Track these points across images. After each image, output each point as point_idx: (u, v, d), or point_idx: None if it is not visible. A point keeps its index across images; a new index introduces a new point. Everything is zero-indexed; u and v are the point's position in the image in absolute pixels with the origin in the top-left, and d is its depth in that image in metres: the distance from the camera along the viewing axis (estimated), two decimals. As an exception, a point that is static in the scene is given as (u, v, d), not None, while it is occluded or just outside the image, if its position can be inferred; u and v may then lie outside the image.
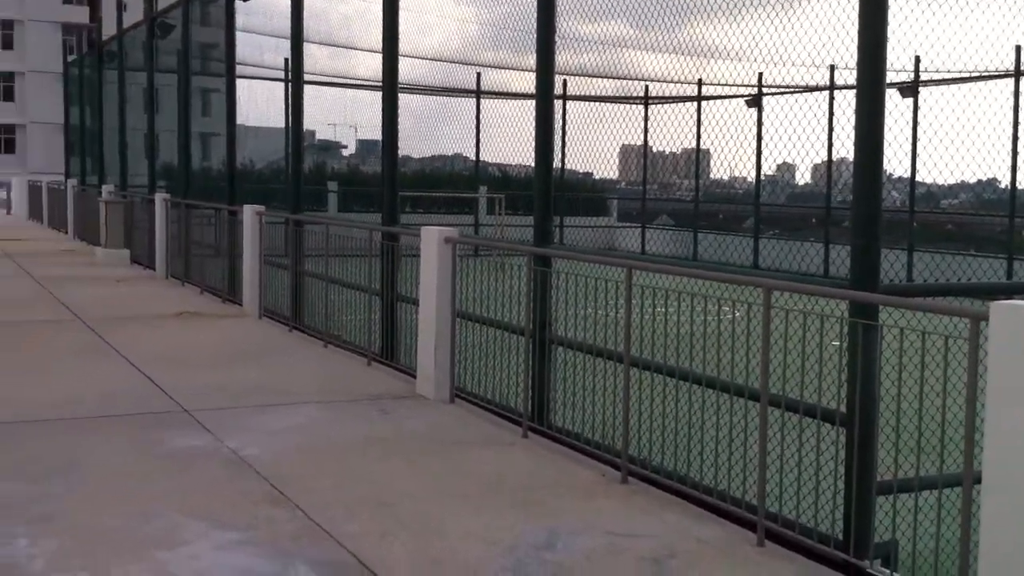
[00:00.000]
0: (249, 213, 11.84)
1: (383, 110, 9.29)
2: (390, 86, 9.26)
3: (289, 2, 11.62)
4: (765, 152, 23.94)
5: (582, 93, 26.70)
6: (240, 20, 14.15)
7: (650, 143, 27.63)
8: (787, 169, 25.67)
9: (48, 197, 28.37)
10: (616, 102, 27.88)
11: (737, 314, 5.45)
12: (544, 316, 6.85)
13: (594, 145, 24.77)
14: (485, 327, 7.57)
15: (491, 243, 7.92)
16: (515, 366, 7.11)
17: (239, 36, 14.26)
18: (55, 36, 66.18)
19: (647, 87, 26.95)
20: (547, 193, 7.16)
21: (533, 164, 7.20)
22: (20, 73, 71.27)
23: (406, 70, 9.98)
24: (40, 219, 29.26)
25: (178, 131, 16.15)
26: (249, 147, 20.51)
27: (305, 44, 11.95)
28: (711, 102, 25.88)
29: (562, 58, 7.23)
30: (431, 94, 27.50)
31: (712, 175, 28.25)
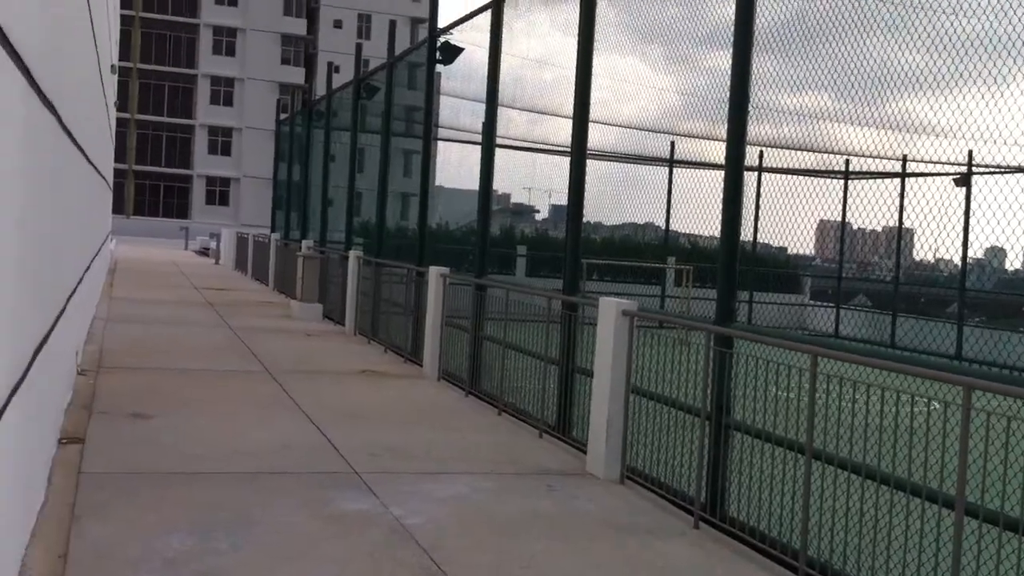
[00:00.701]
0: (434, 275, 11.96)
1: (570, 177, 9.21)
2: (578, 155, 9.18)
3: (487, 68, 11.78)
4: (973, 234, 22.71)
5: (778, 165, 26.10)
6: (440, 84, 14.48)
7: (849, 219, 26.68)
8: (997, 253, 24.26)
9: (253, 249, 29.69)
10: (815, 176, 27.11)
11: (935, 406, 5.02)
12: (723, 398, 6.54)
13: (789, 219, 24.09)
14: (661, 405, 7.30)
15: (670, 318, 7.67)
16: (690, 449, 6.81)
17: (439, 99, 14.59)
18: (271, 95, 69.96)
19: (848, 161, 26.10)
20: (732, 268, 6.87)
21: (720, 229, 6.93)
22: (237, 129, 75.58)
23: (602, 137, 9.96)
24: (245, 270, 30.63)
25: (377, 190, 16.59)
26: (445, 208, 20.93)
27: (503, 109, 12.08)
28: (916, 179, 24.81)
29: (758, 129, 7.01)
30: (625, 161, 27.45)
31: (915, 256, 27.01)
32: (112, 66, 18.18)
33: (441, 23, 13.80)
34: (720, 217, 6.91)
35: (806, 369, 5.38)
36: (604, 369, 7.40)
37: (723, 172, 6.95)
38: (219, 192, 76.35)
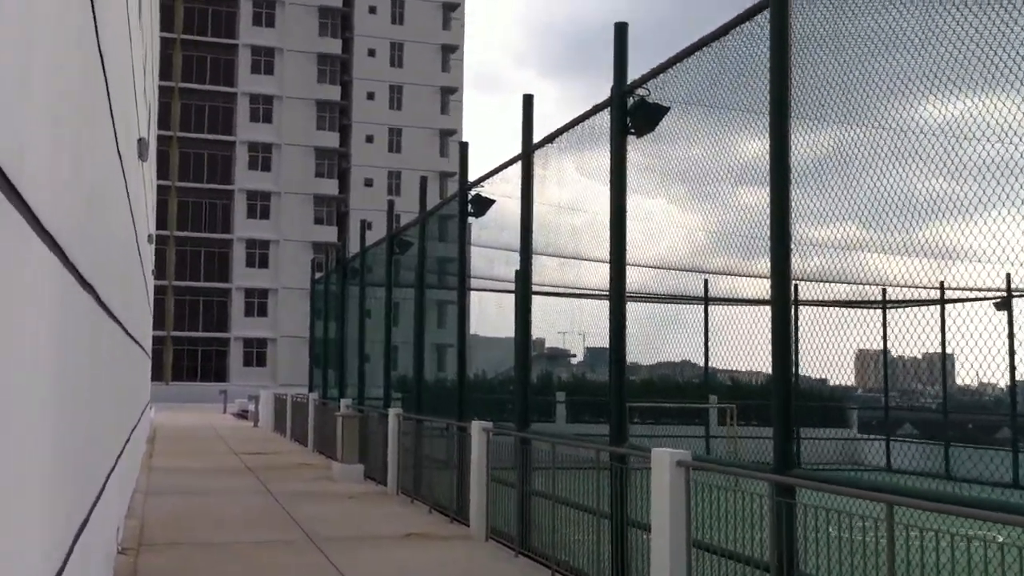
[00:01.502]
0: (477, 430, 11.72)
1: (610, 324, 9.06)
2: (617, 299, 9.05)
3: (520, 218, 11.81)
4: (1018, 357, 22.25)
5: (814, 298, 25.88)
6: (473, 235, 14.54)
7: (889, 348, 26.28)
8: (1044, 375, 23.70)
9: (291, 410, 29.57)
10: (852, 307, 26.85)
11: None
12: (789, 551, 6.20)
13: (829, 350, 23.75)
14: (724, 559, 6.94)
15: (728, 467, 7.37)
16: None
17: (472, 250, 14.63)
18: (306, 254, 71.06)
19: (884, 291, 25.87)
20: (787, 410, 6.61)
21: (763, 370, 6.72)
22: (273, 290, 76.55)
23: (636, 277, 9.84)
24: (284, 432, 30.45)
25: (413, 343, 16.51)
26: (481, 357, 20.79)
27: (535, 256, 12.05)
28: (955, 305, 24.49)
29: (793, 262, 6.82)
30: (658, 301, 27.34)
31: (958, 381, 26.47)
32: (149, 236, 18.47)
33: (471, 176, 13.94)
34: (762, 351, 6.71)
35: (881, 520, 5.07)
36: (662, 525, 7.07)
37: (758, 307, 6.80)
38: (256, 353, 76.86)
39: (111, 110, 5.65)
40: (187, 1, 77.44)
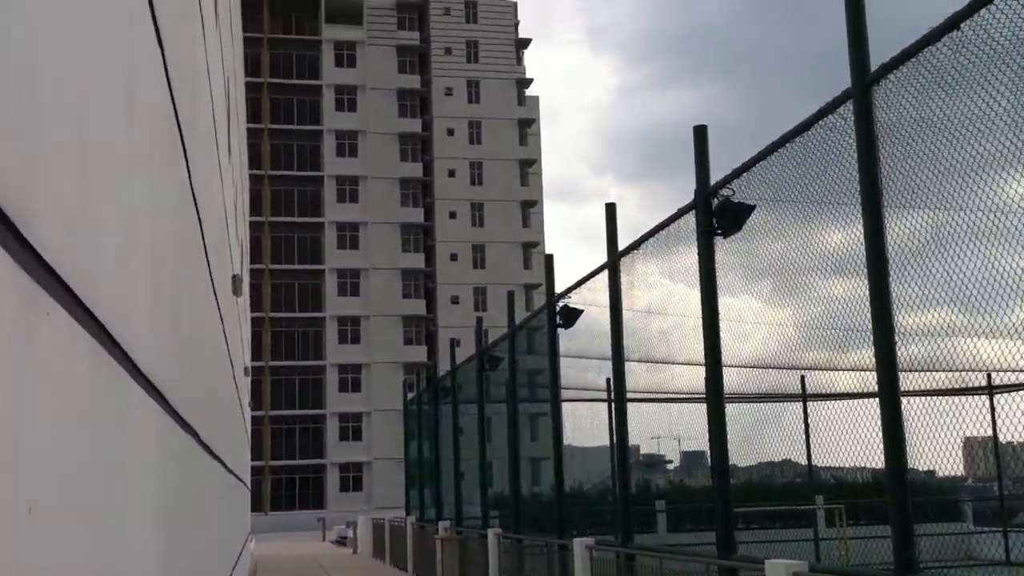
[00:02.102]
0: (579, 548, 11.45)
1: (710, 433, 8.85)
2: (716, 402, 8.85)
3: (609, 326, 11.73)
4: None
5: (915, 388, 25.07)
6: (562, 345, 14.47)
7: (998, 434, 25.27)
8: None
9: (389, 535, 29.36)
10: (956, 394, 25.97)
11: None
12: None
13: (935, 440, 22.91)
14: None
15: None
16: None
17: (562, 361, 14.55)
18: (397, 375, 71.59)
19: (989, 376, 25.00)
20: (904, 512, 6.32)
21: (868, 465, 6.45)
22: (366, 413, 77.08)
23: (725, 378, 9.64)
24: (383, 557, 30.20)
25: (508, 459, 16.34)
26: (577, 468, 20.50)
27: (627, 363, 11.93)
28: (1068, 386, 23.52)
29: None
30: (753, 401, 26.77)
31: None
32: (245, 368, 18.77)
33: (558, 287, 13.94)
34: (866, 446, 6.46)
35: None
36: (782, 639, 6.75)
37: (858, 400, 6.56)
38: (352, 478, 77.01)
39: (206, 253, 5.77)
40: (273, 139, 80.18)
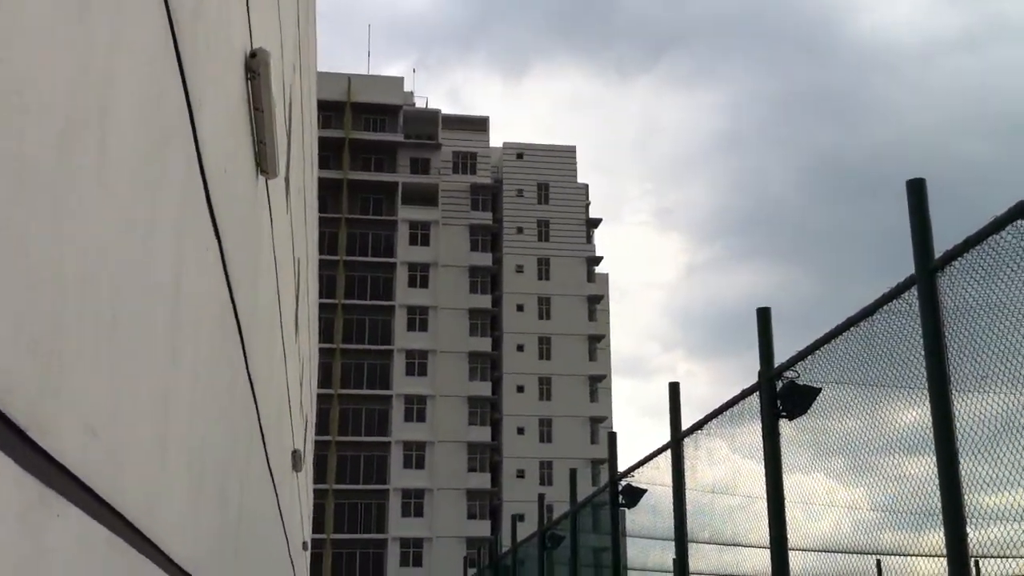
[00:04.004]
0: None
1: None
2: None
3: (672, 504, 11.48)
4: None
5: (998, 573, 23.96)
6: (628, 525, 14.15)
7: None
8: None
9: None
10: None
11: None
12: None
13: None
14: None
15: None
16: None
17: (628, 541, 14.19)
18: (459, 550, 70.34)
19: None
20: None
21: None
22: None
23: (799, 562, 9.32)
24: None
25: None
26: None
27: (692, 543, 11.61)
28: None
29: (970, 534, 6.35)
30: (830, 586, 25.75)
31: None
32: (304, 543, 18.61)
33: (621, 465, 13.75)
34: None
35: None
36: None
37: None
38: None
39: (262, 432, 5.82)
40: (347, 313, 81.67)
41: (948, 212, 6.83)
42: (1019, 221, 6.14)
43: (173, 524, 2.60)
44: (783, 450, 8.94)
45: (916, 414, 7.16)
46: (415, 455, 79.78)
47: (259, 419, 5.56)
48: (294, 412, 10.62)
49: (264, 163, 5.17)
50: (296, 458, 10.33)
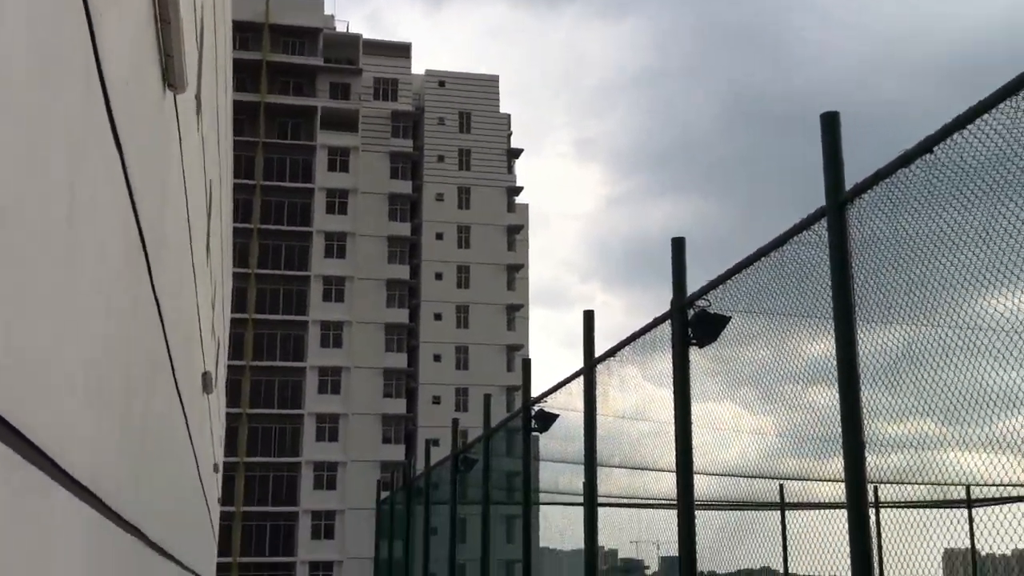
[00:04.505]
0: (547, 658, 11.19)
1: (680, 537, 8.74)
2: (687, 525, 8.75)
3: (583, 430, 11.66)
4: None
5: (895, 500, 24.93)
6: (541, 450, 14.35)
7: (978, 547, 25.06)
8: None
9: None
10: (934, 507, 25.77)
11: None
12: None
13: (913, 552, 22.72)
14: None
15: None
16: None
17: (540, 464, 14.42)
18: (373, 474, 70.86)
19: (968, 489, 24.87)
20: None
21: (845, 575, 6.34)
22: (340, 511, 76.08)
23: (705, 485, 9.55)
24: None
25: (480, 561, 16.08)
26: (554, 572, 20.14)
27: (603, 468, 11.83)
28: (1048, 502, 23.39)
29: (869, 462, 6.57)
30: (732, 509, 26.54)
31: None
32: (215, 465, 18.53)
33: (535, 391, 13.90)
34: (848, 557, 6.36)
35: None
36: None
37: (836, 511, 6.51)
38: (323, 576, 75.68)
39: (169, 353, 5.73)
40: (263, 238, 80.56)
41: (866, 152, 6.93)
42: (927, 156, 6.28)
43: (71, 439, 2.56)
44: (694, 378, 9.12)
45: (822, 346, 7.35)
46: (330, 380, 79.69)
47: (166, 339, 5.48)
48: (205, 334, 10.49)
49: (171, 77, 5.03)
50: (206, 380, 10.24)
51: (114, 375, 3.47)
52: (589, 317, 11.86)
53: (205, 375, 10.16)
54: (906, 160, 6.39)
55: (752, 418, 10.32)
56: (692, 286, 9.08)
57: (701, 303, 8.98)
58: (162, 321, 5.17)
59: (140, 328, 4.27)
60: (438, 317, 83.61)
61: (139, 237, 3.94)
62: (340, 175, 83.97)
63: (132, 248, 3.79)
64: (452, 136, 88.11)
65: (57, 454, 2.33)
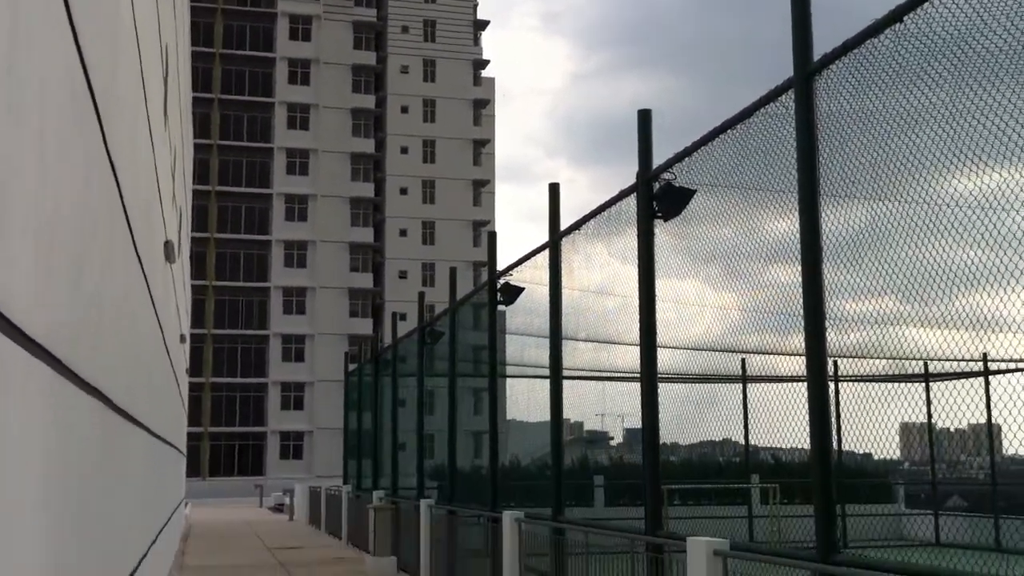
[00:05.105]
0: (508, 522, 11.48)
1: (643, 415, 8.89)
2: (649, 394, 8.88)
3: (548, 304, 11.73)
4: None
5: (856, 373, 25.47)
6: (505, 322, 14.47)
7: (934, 421, 25.77)
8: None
9: (326, 503, 29.34)
10: (894, 381, 26.39)
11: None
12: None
13: (871, 426, 23.31)
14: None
15: (767, 556, 7.10)
16: None
17: (505, 338, 14.55)
18: (341, 347, 71.30)
19: (927, 364, 25.41)
20: (827, 495, 6.35)
21: (805, 447, 6.50)
22: (309, 383, 76.76)
23: (669, 358, 9.67)
24: (319, 525, 30.16)
25: (447, 432, 16.35)
26: (516, 442, 20.52)
27: (569, 342, 11.96)
28: (1000, 376, 24.00)
29: (830, 338, 6.66)
30: (696, 382, 27.00)
31: (1006, 451, 25.89)
32: (181, 336, 18.53)
33: (501, 265, 13.92)
34: (805, 428, 6.51)
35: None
36: (700, 617, 6.80)
37: (796, 384, 6.63)
38: (293, 447, 76.76)
39: (127, 217, 5.64)
40: (224, 109, 79.14)
41: (843, 28, 6.81)
42: (897, 26, 6.20)
43: (21, 294, 2.52)
44: (659, 255, 9.16)
45: (786, 224, 7.36)
46: (296, 254, 79.45)
47: (123, 204, 5.40)
48: (165, 201, 10.36)
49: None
50: (169, 249, 10.16)
51: (66, 237, 3.41)
52: (554, 190, 11.83)
53: (167, 243, 10.08)
54: (875, 30, 6.30)
55: (716, 294, 10.40)
56: (660, 162, 9.04)
57: (667, 176, 8.96)
58: (119, 187, 5.08)
59: (95, 193, 4.19)
60: (404, 192, 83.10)
61: (90, 97, 3.83)
62: (302, 44, 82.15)
63: (82, 107, 3.69)
64: (416, 6, 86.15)
65: (4, 304, 2.30)
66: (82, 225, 3.75)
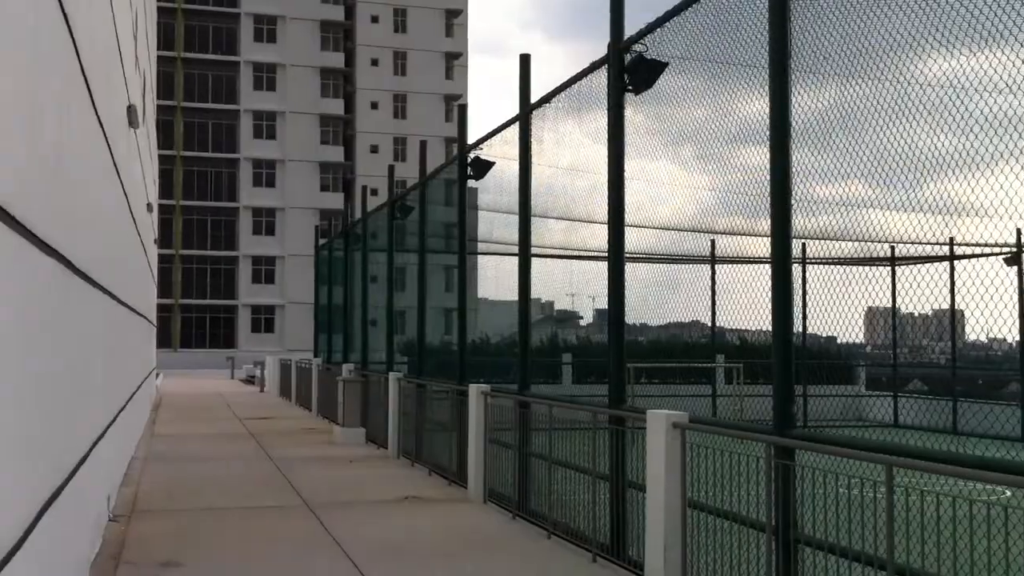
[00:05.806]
0: (475, 393, 11.62)
1: (609, 292, 8.91)
2: (616, 273, 8.89)
3: (518, 179, 11.64)
4: (1028, 311, 22.05)
5: (823, 256, 25.66)
6: (476, 199, 14.39)
7: (899, 305, 26.11)
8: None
9: (296, 375, 29.56)
10: (860, 264, 26.61)
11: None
12: (788, 512, 6.07)
13: (837, 308, 23.60)
14: (721, 519, 6.80)
15: (724, 428, 7.24)
16: (756, 567, 6.31)
17: (476, 214, 14.50)
18: (312, 221, 70.93)
19: (893, 248, 25.62)
20: (786, 371, 6.45)
21: (771, 331, 6.56)
22: (280, 257, 76.54)
23: (640, 240, 9.70)
24: (289, 397, 30.46)
25: (417, 308, 16.40)
26: (486, 320, 20.66)
27: (541, 219, 11.92)
28: (965, 261, 24.24)
29: (799, 221, 6.66)
30: (665, 262, 27.14)
31: (967, 337, 26.33)
32: (148, 204, 18.33)
33: (472, 139, 13.76)
34: (771, 311, 6.55)
35: (881, 481, 4.94)
36: (657, 486, 6.96)
37: (765, 266, 6.64)
38: (264, 320, 77.00)
39: (85, 77, 5.49)
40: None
41: None
42: None
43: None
44: (631, 137, 9.05)
45: (758, 105, 7.26)
46: (265, 125, 78.26)
47: (80, 60, 5.24)
48: (127, 65, 10.10)
49: None
50: (132, 113, 9.94)
51: (17, 86, 3.30)
52: (525, 62, 11.61)
53: (130, 108, 9.86)
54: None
55: (687, 175, 10.35)
56: (633, 33, 8.87)
57: (638, 47, 8.80)
58: (75, 42, 4.93)
59: (45, 46, 4.05)
60: (375, 63, 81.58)
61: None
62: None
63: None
64: None
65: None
66: (34, 77, 3.63)
